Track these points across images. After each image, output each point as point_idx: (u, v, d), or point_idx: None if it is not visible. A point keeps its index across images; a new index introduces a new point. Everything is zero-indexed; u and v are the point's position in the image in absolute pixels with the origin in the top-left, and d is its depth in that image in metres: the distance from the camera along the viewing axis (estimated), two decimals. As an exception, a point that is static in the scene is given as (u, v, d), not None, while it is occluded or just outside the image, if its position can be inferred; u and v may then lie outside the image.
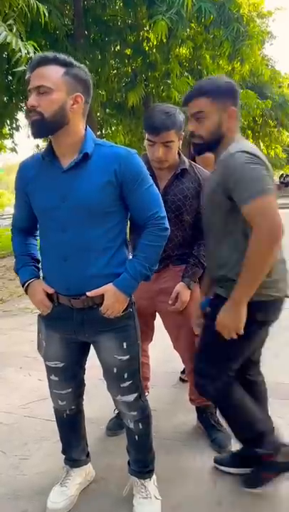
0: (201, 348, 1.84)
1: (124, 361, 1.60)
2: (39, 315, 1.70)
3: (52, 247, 1.56)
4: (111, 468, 2.03)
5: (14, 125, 9.77)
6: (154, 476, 1.80)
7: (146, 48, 8.61)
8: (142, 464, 1.78)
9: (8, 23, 4.19)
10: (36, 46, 4.31)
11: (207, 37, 8.70)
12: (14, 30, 4.22)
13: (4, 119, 9.27)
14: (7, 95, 8.29)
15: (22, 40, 4.23)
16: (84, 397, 1.86)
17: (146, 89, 9.15)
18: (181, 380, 2.87)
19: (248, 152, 1.53)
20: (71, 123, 1.46)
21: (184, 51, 9.61)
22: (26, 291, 1.65)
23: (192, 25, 8.21)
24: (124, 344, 1.59)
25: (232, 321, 1.56)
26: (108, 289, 1.52)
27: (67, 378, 1.72)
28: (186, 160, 2.15)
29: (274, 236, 1.45)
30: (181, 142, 2.08)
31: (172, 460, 2.06)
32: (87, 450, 1.92)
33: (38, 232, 1.74)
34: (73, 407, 1.80)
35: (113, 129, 11.47)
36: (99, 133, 10.55)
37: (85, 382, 1.83)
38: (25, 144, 11.23)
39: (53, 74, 1.40)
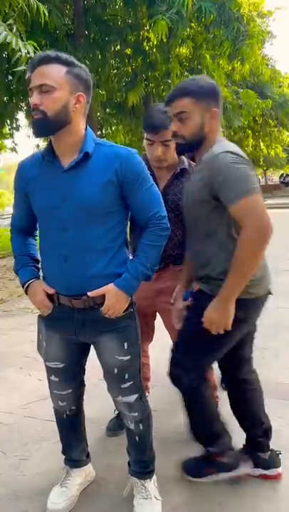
0: (180, 338, 1.85)
1: (125, 362, 1.60)
2: (39, 315, 1.70)
3: (52, 247, 1.55)
4: (111, 468, 2.03)
5: (14, 125, 9.76)
6: (154, 477, 1.80)
7: (147, 48, 8.61)
8: (142, 465, 1.77)
9: (8, 22, 4.18)
10: (36, 46, 4.31)
11: (207, 36, 8.68)
12: (14, 29, 4.22)
13: (4, 118, 9.26)
14: (7, 95, 8.28)
15: (22, 40, 4.22)
16: (84, 397, 1.86)
17: (147, 89, 9.16)
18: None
19: (232, 152, 1.55)
20: (73, 122, 1.45)
21: (184, 51, 9.60)
22: (26, 291, 1.64)
23: (192, 24, 8.20)
24: (125, 344, 1.59)
25: (220, 317, 1.57)
26: (109, 289, 1.52)
27: (68, 379, 1.72)
28: (186, 160, 2.15)
29: (263, 235, 1.47)
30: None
31: (173, 460, 2.06)
32: (87, 450, 1.92)
33: (37, 232, 1.74)
34: (73, 408, 1.80)
35: (113, 128, 11.46)
36: (99, 133, 10.55)
37: (86, 382, 1.83)
38: (26, 144, 11.22)
39: (56, 73, 1.40)
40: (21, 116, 16.30)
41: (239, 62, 8.77)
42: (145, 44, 8.62)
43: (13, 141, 10.22)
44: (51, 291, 1.58)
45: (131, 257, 1.63)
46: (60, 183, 1.49)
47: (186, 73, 8.37)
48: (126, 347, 1.59)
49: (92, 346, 1.70)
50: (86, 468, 1.91)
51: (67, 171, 1.48)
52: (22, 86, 7.50)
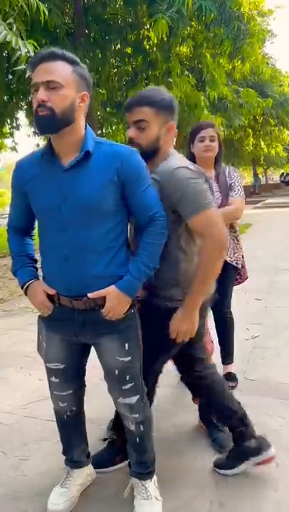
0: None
1: (126, 363, 1.60)
2: (39, 316, 1.69)
3: (52, 247, 1.54)
4: (111, 469, 2.02)
5: (14, 124, 9.74)
6: (154, 477, 1.79)
7: (147, 47, 8.58)
8: (143, 465, 1.77)
9: (8, 21, 4.17)
10: (36, 45, 4.30)
11: (208, 35, 8.66)
12: (14, 28, 4.20)
13: (4, 118, 9.25)
14: (7, 94, 8.26)
15: (22, 39, 4.21)
16: (84, 397, 1.85)
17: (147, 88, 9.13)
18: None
19: (188, 168, 1.62)
20: (76, 121, 1.45)
21: (184, 50, 9.58)
22: (26, 292, 1.63)
23: (193, 23, 8.18)
24: (126, 345, 1.58)
25: (188, 326, 1.65)
26: (110, 291, 1.51)
27: (68, 380, 1.71)
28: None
29: (223, 245, 1.61)
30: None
31: (173, 461, 2.06)
32: (87, 451, 1.91)
33: (34, 231, 1.73)
34: (74, 409, 1.80)
35: (113, 128, 11.44)
36: (99, 132, 10.53)
37: (86, 382, 1.83)
38: (26, 143, 11.20)
39: (63, 70, 1.39)
40: (21, 116, 16.31)
41: (240, 61, 8.76)
42: (145, 43, 8.60)
43: (14, 141, 10.21)
44: (52, 291, 1.57)
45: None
46: (60, 182, 1.48)
47: (186, 72, 8.35)
48: (127, 348, 1.59)
49: (92, 347, 1.69)
50: (86, 469, 1.90)
51: (68, 170, 1.47)
52: (22, 85, 7.49)
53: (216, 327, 2.68)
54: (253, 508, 1.75)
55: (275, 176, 54.35)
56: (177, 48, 8.77)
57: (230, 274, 2.69)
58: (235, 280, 2.77)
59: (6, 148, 11.31)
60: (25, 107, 9.17)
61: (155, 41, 8.02)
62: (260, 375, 2.92)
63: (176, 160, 1.66)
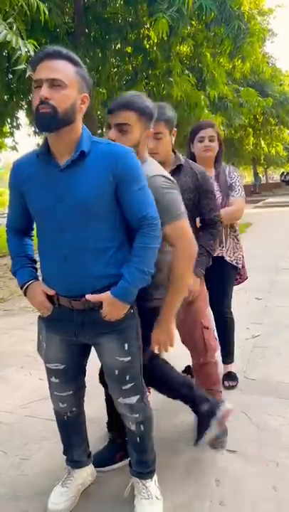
0: None
1: (126, 363, 1.60)
2: (39, 316, 1.69)
3: (50, 247, 1.54)
4: (112, 468, 2.03)
5: (15, 123, 9.73)
6: (155, 476, 1.80)
7: (147, 46, 8.56)
8: (143, 465, 1.77)
9: (9, 21, 4.16)
10: (36, 45, 4.29)
11: (208, 34, 8.63)
12: (14, 28, 4.20)
13: (5, 117, 9.23)
14: (7, 94, 8.25)
15: (22, 39, 4.20)
16: (85, 396, 1.85)
17: (147, 88, 9.12)
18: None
19: (163, 176, 1.67)
20: (76, 122, 1.45)
21: (184, 49, 9.57)
22: (25, 293, 1.63)
23: (193, 22, 8.16)
24: (126, 345, 1.58)
25: (165, 337, 1.72)
26: (105, 298, 1.49)
27: (68, 380, 1.71)
28: (182, 157, 2.19)
29: (194, 255, 1.71)
30: (173, 138, 2.09)
31: (173, 460, 2.06)
32: (88, 451, 1.92)
33: (33, 232, 1.73)
34: (74, 409, 1.79)
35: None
36: (99, 131, 10.52)
37: (87, 382, 1.83)
38: (26, 143, 11.20)
39: (67, 70, 1.40)
40: (22, 115, 16.28)
41: (240, 60, 8.74)
42: (146, 42, 8.58)
43: (14, 140, 10.21)
44: (51, 292, 1.57)
45: None
46: (56, 182, 1.47)
47: (186, 71, 8.34)
48: (126, 348, 1.59)
49: (93, 348, 1.69)
50: (87, 469, 1.90)
51: (64, 171, 1.46)
52: (22, 85, 7.47)
53: (217, 327, 2.69)
54: (253, 507, 1.76)
55: (275, 175, 54.35)
56: (177, 47, 8.75)
57: (230, 274, 2.69)
58: (235, 280, 2.77)
59: (7, 147, 11.31)
60: (25, 106, 9.15)
61: (155, 40, 8.00)
62: (261, 375, 2.92)
63: (152, 166, 1.71)
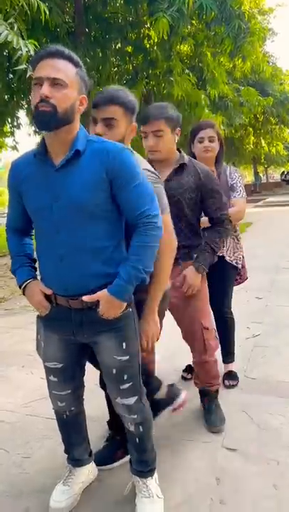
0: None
1: (124, 362, 1.59)
2: (38, 315, 1.70)
3: (47, 247, 1.54)
4: (113, 466, 2.04)
5: (15, 123, 9.75)
6: (155, 475, 1.80)
7: (147, 46, 8.57)
8: (144, 464, 1.77)
9: (9, 21, 4.17)
10: (37, 44, 4.30)
11: (208, 34, 8.64)
12: (15, 28, 4.21)
13: (5, 117, 9.25)
14: (8, 93, 8.27)
15: (23, 39, 4.21)
16: (85, 395, 1.86)
17: (148, 87, 9.13)
18: (184, 378, 2.87)
19: (149, 170, 1.68)
20: (73, 122, 1.45)
21: (185, 48, 9.57)
22: (24, 292, 1.64)
23: (193, 22, 8.17)
24: (124, 344, 1.58)
25: (154, 329, 1.73)
26: (102, 296, 1.49)
27: (67, 379, 1.71)
28: (186, 156, 2.20)
29: (174, 249, 1.77)
30: (177, 137, 2.11)
31: (173, 459, 2.07)
32: (89, 449, 1.92)
33: (33, 231, 1.73)
34: (73, 409, 1.79)
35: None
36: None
37: (87, 380, 1.83)
38: (26, 143, 11.20)
39: (68, 70, 1.40)
40: (22, 115, 16.29)
41: (240, 60, 8.75)
42: (146, 42, 8.59)
43: (14, 140, 10.22)
44: (48, 291, 1.57)
45: None
46: (52, 182, 1.47)
47: (186, 71, 8.34)
48: (124, 347, 1.58)
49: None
50: (89, 467, 1.91)
51: (59, 170, 1.46)
52: (23, 84, 7.48)
53: (217, 327, 2.70)
54: (254, 505, 1.76)
55: (275, 174, 54.28)
56: (178, 47, 8.76)
57: (230, 274, 2.70)
58: (235, 280, 2.78)
59: (7, 147, 11.33)
60: (25, 106, 9.16)
61: (156, 40, 8.00)
62: (261, 374, 2.93)
63: (138, 161, 1.71)
